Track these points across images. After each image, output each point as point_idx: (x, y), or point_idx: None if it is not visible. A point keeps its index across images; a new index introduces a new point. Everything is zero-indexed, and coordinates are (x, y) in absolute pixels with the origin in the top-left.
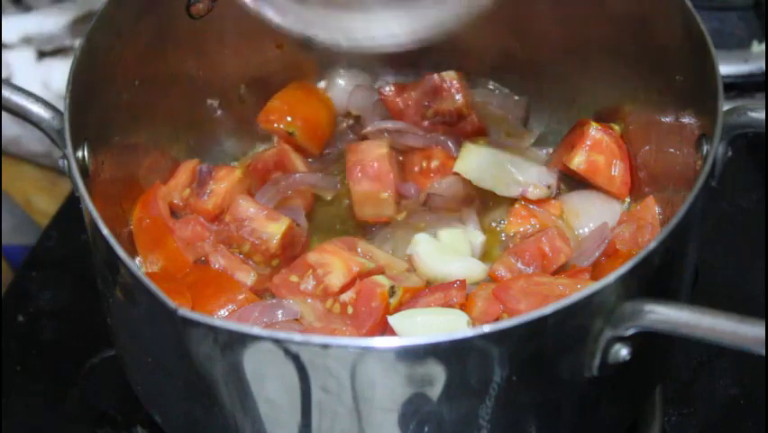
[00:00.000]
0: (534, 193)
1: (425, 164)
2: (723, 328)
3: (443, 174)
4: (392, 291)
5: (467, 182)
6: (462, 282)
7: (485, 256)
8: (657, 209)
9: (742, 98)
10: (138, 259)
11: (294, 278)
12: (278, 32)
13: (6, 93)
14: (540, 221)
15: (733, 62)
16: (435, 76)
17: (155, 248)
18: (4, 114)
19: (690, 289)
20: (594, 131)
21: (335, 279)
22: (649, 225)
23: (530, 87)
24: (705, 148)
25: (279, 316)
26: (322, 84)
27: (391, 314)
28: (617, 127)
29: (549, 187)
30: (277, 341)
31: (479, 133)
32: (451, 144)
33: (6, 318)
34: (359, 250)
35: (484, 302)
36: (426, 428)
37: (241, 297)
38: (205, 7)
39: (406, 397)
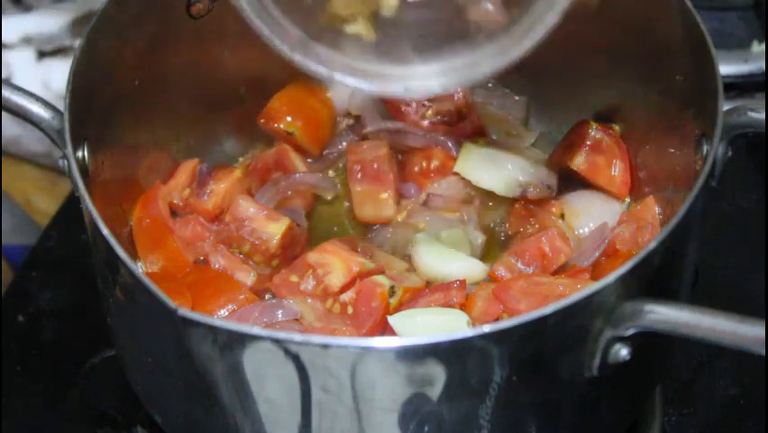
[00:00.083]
0: (534, 193)
1: (424, 164)
2: (723, 328)
3: (443, 174)
4: (392, 291)
5: (467, 182)
6: (462, 282)
7: (485, 256)
8: (657, 209)
9: (742, 98)
10: (139, 263)
11: (294, 278)
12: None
13: (6, 93)
14: (540, 221)
15: (733, 62)
16: None
17: (155, 248)
18: (4, 114)
19: (690, 289)
20: (594, 131)
21: (335, 279)
22: (649, 225)
23: (530, 87)
24: (705, 148)
25: (279, 316)
26: (322, 84)
27: (391, 314)
28: (617, 127)
29: (549, 187)
30: (277, 341)
31: (479, 133)
32: (451, 144)
33: (6, 318)
34: (359, 250)
35: (484, 302)
36: (426, 428)
37: (241, 297)
38: (205, 7)
39: (406, 397)
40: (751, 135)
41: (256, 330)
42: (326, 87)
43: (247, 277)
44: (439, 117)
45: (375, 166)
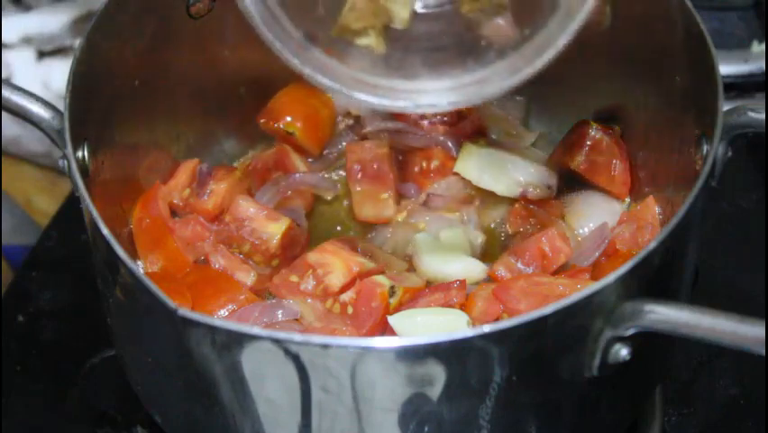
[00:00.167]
0: (534, 193)
1: (425, 164)
2: (723, 328)
3: (443, 174)
4: (392, 291)
5: (467, 182)
6: (462, 282)
7: (485, 256)
8: (657, 209)
9: (742, 98)
10: (139, 263)
11: (294, 278)
12: None
13: (6, 93)
14: (540, 221)
15: (733, 62)
16: None
17: (155, 248)
18: (4, 114)
19: (690, 289)
20: (594, 131)
21: (335, 279)
22: (649, 225)
23: (530, 87)
24: (705, 148)
25: (279, 316)
26: None
27: (391, 314)
28: (617, 127)
29: (549, 187)
30: (277, 341)
31: (479, 133)
32: (451, 144)
33: (6, 318)
34: (359, 250)
35: (484, 302)
36: (426, 428)
37: (241, 297)
38: (205, 7)
39: (406, 397)
40: (751, 135)
41: (256, 330)
42: None
43: (247, 277)
44: (439, 117)
45: (375, 166)
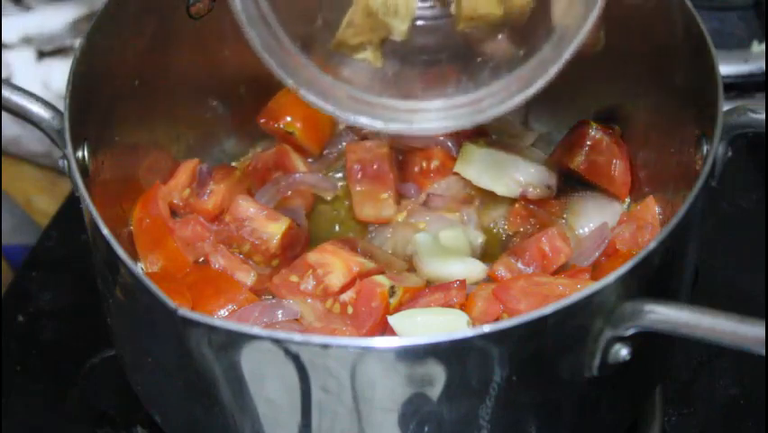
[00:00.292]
0: (534, 193)
1: (425, 164)
2: (723, 328)
3: (443, 174)
4: (392, 291)
5: (467, 182)
6: (462, 282)
7: (485, 256)
8: (657, 209)
9: (742, 98)
10: (139, 263)
11: (294, 278)
12: None
13: (6, 93)
14: (540, 221)
15: (733, 62)
16: None
17: (155, 248)
18: (4, 114)
19: (690, 289)
20: (594, 131)
21: (335, 279)
22: (649, 225)
23: None
24: (705, 148)
25: (279, 316)
26: None
27: (391, 314)
28: (617, 127)
29: (549, 187)
30: (277, 341)
31: (479, 134)
32: (451, 144)
33: (6, 318)
34: (359, 250)
35: (484, 302)
36: (426, 428)
37: (241, 297)
38: (204, 7)
39: (406, 397)
40: (751, 135)
41: (256, 330)
42: None
43: (247, 277)
44: None
45: (375, 166)
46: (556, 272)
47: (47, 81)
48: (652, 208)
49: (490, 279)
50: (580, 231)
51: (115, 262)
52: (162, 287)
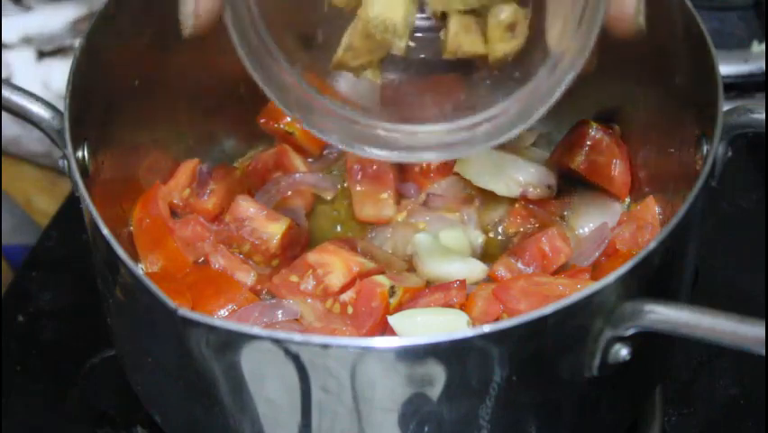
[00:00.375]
0: (534, 193)
1: (425, 164)
2: (723, 328)
3: (443, 174)
4: (392, 291)
5: (467, 182)
6: (462, 282)
7: (485, 256)
8: (657, 209)
9: (742, 98)
10: (139, 264)
11: (294, 278)
12: None
13: (6, 93)
14: (540, 221)
15: (733, 62)
16: None
17: (155, 248)
18: (4, 114)
19: (690, 289)
20: (594, 131)
21: (335, 279)
22: (649, 225)
23: None
24: (705, 148)
25: (279, 316)
26: None
27: (391, 314)
28: (617, 127)
29: (549, 187)
30: (277, 341)
31: None
32: None
33: (6, 318)
34: (359, 250)
35: (484, 302)
36: (426, 428)
37: (241, 297)
38: None
39: (406, 397)
40: (751, 135)
41: (256, 330)
42: None
43: (247, 277)
44: None
45: (375, 166)
46: (556, 272)
47: (47, 81)
48: (652, 208)
49: (490, 279)
50: (580, 231)
51: (115, 262)
52: (162, 287)
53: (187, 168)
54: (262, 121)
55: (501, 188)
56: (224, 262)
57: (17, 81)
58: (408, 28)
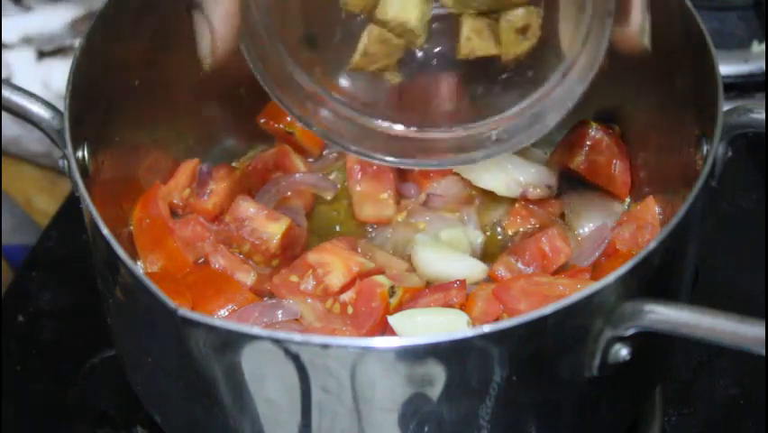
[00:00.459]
0: (534, 193)
1: None
2: (723, 328)
3: (443, 174)
4: (392, 291)
5: (467, 182)
6: (462, 282)
7: (485, 256)
8: (657, 209)
9: (742, 98)
10: (139, 263)
11: (294, 278)
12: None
13: (6, 93)
14: (540, 221)
15: (733, 62)
16: None
17: (155, 248)
18: (4, 114)
19: (690, 289)
20: (594, 131)
21: (335, 279)
22: (649, 225)
23: None
24: (705, 148)
25: (279, 316)
26: None
27: (391, 314)
28: (617, 127)
29: (549, 187)
30: (277, 341)
31: None
32: None
33: (6, 318)
34: (359, 250)
35: (484, 302)
36: (426, 428)
37: (241, 297)
38: None
39: (406, 397)
40: (751, 135)
41: (256, 330)
42: None
43: (247, 277)
44: None
45: (375, 166)
46: (556, 272)
47: (47, 81)
48: (652, 208)
49: (490, 279)
50: (580, 231)
51: (115, 262)
52: (162, 287)
53: (187, 168)
54: (262, 121)
55: (501, 188)
56: (224, 262)
57: (17, 81)
58: (424, 27)
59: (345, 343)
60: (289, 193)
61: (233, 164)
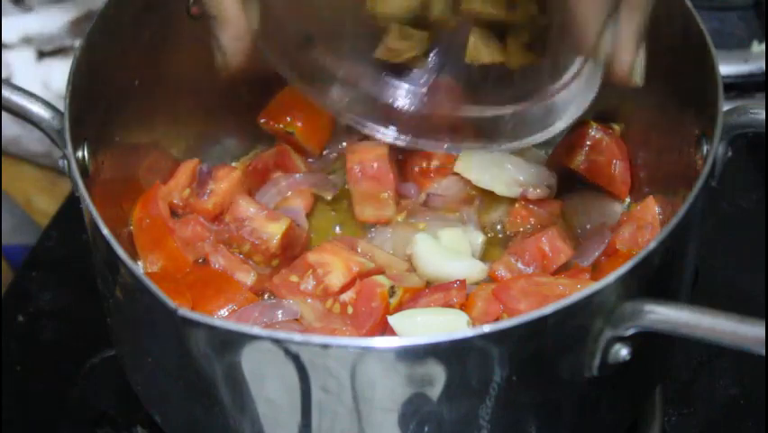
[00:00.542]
0: (534, 193)
1: (424, 164)
2: (723, 328)
3: (443, 174)
4: (392, 291)
5: (467, 182)
6: (462, 282)
7: (485, 256)
8: (657, 209)
9: (742, 98)
10: (139, 263)
11: (294, 278)
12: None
13: (6, 93)
14: (540, 221)
15: (733, 62)
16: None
17: (155, 248)
18: (4, 114)
19: (690, 289)
20: (594, 131)
21: (335, 279)
22: (649, 225)
23: None
24: (705, 148)
25: (279, 316)
26: None
27: (391, 314)
28: (617, 127)
29: (549, 187)
30: (277, 341)
31: None
32: None
33: (6, 318)
34: (359, 250)
35: (484, 302)
36: (426, 428)
37: (241, 297)
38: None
39: (406, 397)
40: (751, 135)
41: (256, 330)
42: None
43: (247, 277)
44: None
45: (375, 166)
46: (556, 272)
47: (47, 81)
48: (652, 208)
49: (490, 279)
50: (580, 231)
51: (115, 262)
52: (162, 287)
53: (187, 168)
54: (262, 121)
55: (501, 188)
56: (224, 262)
57: (17, 81)
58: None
59: (345, 343)
60: (289, 193)
61: (233, 164)
